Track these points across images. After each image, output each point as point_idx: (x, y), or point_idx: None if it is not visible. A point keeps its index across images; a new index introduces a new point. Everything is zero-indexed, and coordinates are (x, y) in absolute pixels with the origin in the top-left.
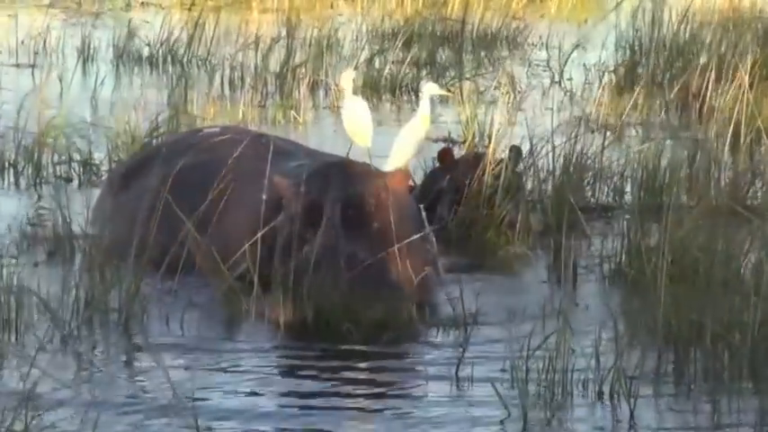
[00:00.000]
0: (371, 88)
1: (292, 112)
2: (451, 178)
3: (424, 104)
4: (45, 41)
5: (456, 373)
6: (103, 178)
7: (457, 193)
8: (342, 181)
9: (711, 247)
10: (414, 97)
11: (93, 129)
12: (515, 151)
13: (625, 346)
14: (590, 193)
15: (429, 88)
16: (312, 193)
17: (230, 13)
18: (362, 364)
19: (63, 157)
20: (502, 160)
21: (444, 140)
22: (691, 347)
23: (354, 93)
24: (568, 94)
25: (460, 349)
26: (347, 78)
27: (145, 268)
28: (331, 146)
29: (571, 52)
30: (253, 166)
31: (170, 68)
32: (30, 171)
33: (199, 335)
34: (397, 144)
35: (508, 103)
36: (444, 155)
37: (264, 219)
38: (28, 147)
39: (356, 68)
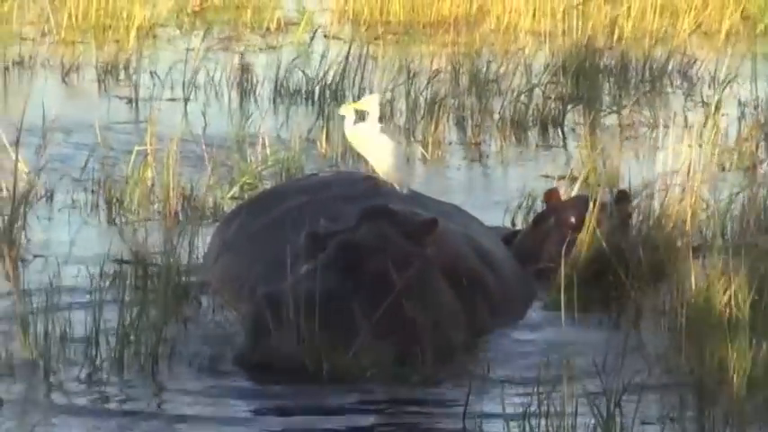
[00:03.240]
0: (516, 123)
1: (420, 148)
2: (558, 218)
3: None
4: (212, 75)
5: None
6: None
7: (564, 232)
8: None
9: None
10: (560, 132)
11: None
12: (621, 196)
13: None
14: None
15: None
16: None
17: (408, 45)
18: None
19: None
20: (605, 204)
21: (564, 178)
22: None
23: (380, 121)
24: (716, 130)
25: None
26: (371, 103)
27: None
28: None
29: (724, 87)
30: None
31: (321, 102)
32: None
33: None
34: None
35: (650, 138)
36: (550, 195)
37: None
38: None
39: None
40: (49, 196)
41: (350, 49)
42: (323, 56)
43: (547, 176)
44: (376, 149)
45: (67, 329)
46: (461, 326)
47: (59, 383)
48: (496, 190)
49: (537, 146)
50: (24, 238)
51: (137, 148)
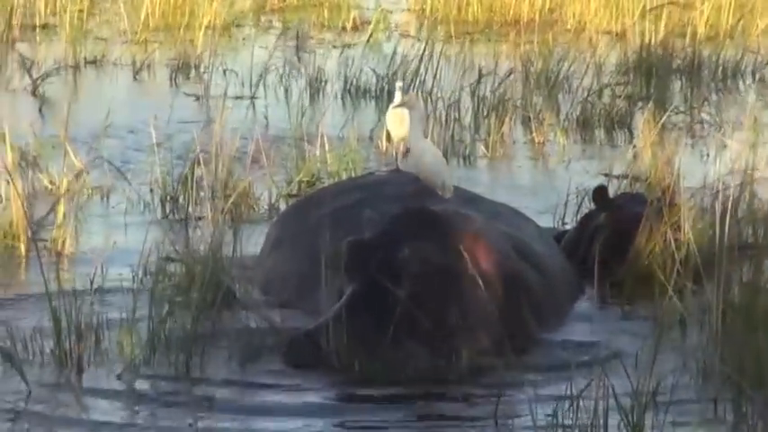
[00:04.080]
0: (583, 123)
1: (482, 147)
2: (607, 216)
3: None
4: (282, 74)
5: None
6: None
7: (613, 230)
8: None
9: None
10: (627, 132)
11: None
12: (665, 190)
13: None
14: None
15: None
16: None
17: (483, 44)
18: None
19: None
20: (652, 201)
21: (624, 177)
22: None
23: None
24: None
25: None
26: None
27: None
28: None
29: None
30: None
31: (389, 101)
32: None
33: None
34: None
35: (717, 138)
36: (598, 193)
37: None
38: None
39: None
40: (105, 194)
41: (425, 48)
42: (395, 55)
43: (607, 175)
44: (414, 154)
45: (102, 325)
46: (499, 329)
47: (91, 377)
48: (554, 188)
49: (601, 145)
50: (75, 234)
51: (194, 146)
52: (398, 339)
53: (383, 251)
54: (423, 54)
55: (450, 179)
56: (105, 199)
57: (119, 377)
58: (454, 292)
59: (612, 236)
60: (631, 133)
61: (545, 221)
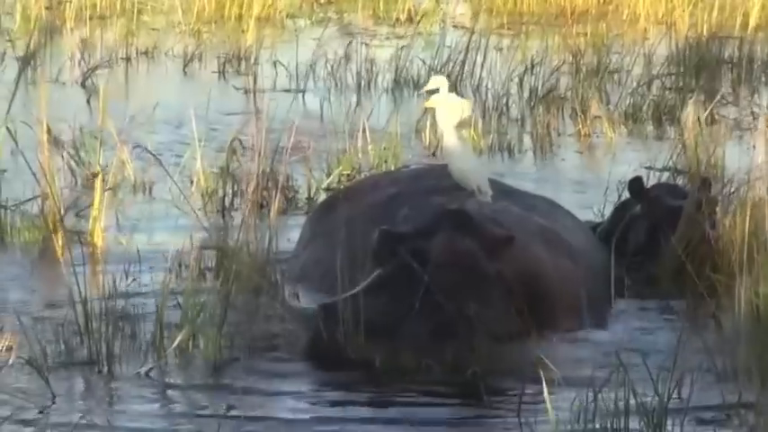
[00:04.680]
0: (631, 115)
1: (525, 139)
2: (644, 206)
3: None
4: (332, 66)
5: None
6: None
7: (647, 222)
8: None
9: None
10: (675, 124)
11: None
12: (703, 183)
13: None
14: None
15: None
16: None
17: (536, 35)
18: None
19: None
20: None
21: (667, 170)
22: None
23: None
24: None
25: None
26: (438, 84)
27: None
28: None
29: None
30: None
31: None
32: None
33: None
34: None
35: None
36: (634, 184)
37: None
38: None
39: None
40: (147, 186)
41: (470, 40)
42: (446, 46)
43: (650, 168)
44: (447, 154)
45: (133, 318)
46: (529, 324)
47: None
48: (597, 181)
49: (647, 137)
50: (117, 226)
51: (232, 138)
52: (416, 323)
53: (413, 241)
54: (468, 45)
55: (486, 182)
56: (147, 191)
57: (148, 374)
58: (478, 286)
59: (647, 227)
60: (679, 125)
61: (586, 215)
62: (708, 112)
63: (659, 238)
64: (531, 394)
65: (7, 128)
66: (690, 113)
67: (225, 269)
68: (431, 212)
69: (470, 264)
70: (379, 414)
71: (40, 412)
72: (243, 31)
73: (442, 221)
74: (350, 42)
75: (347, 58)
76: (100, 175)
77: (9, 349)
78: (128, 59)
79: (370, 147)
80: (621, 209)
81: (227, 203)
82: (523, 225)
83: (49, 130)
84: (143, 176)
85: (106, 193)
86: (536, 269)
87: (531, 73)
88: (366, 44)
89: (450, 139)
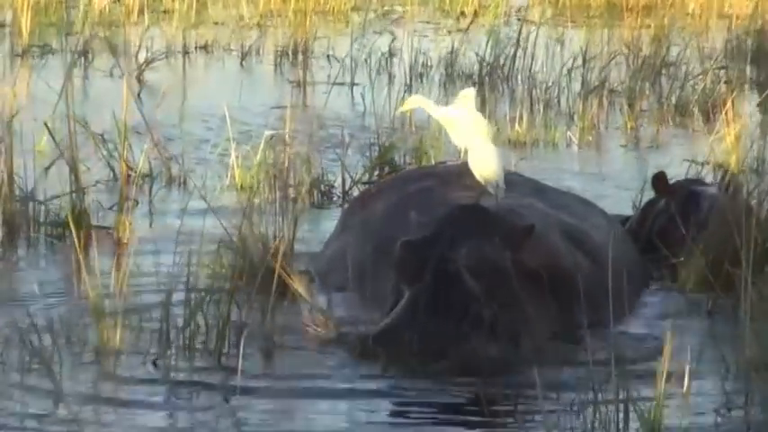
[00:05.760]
0: (679, 108)
1: (568, 133)
2: (668, 201)
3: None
4: (387, 59)
5: None
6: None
7: (671, 216)
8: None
9: None
10: (723, 118)
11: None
12: (730, 178)
13: None
14: None
15: (466, 94)
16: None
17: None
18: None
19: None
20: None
21: (707, 164)
22: None
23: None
24: None
25: None
26: (467, 99)
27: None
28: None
29: None
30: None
31: (488, 85)
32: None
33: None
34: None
35: None
36: (658, 180)
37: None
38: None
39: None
40: (182, 180)
41: (520, 32)
42: (507, 40)
43: (691, 161)
44: (469, 150)
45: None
46: (547, 327)
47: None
48: (638, 176)
49: (694, 131)
50: (150, 220)
51: (267, 132)
52: (466, 335)
53: (438, 249)
54: (518, 38)
55: (503, 181)
56: (181, 185)
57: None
58: (511, 287)
59: (670, 222)
60: (727, 119)
61: (624, 209)
62: (757, 104)
63: (682, 233)
64: (526, 396)
65: (45, 123)
66: (731, 107)
67: (240, 264)
68: (447, 213)
69: (499, 263)
70: (385, 412)
71: (46, 407)
72: (304, 24)
73: (458, 221)
74: (413, 35)
75: (403, 51)
76: (124, 169)
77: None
78: (185, 53)
79: (410, 141)
80: (649, 205)
81: (262, 197)
82: (544, 221)
83: (85, 125)
84: (178, 170)
85: (140, 188)
86: (554, 262)
87: (585, 66)
88: (426, 37)
89: (469, 140)
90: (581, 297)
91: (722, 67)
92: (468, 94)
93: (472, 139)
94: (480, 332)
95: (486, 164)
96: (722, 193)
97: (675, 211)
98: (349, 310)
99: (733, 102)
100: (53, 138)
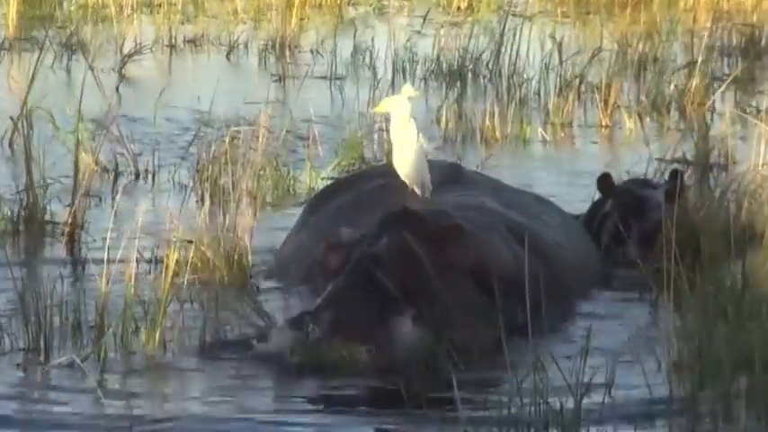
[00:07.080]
0: (655, 106)
1: (540, 129)
2: (612, 202)
3: (403, 107)
4: (372, 54)
5: None
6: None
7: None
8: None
9: None
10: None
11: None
12: (674, 176)
13: None
14: None
15: (406, 90)
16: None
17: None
18: None
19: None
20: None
21: (677, 161)
22: None
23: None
24: None
25: None
26: (402, 97)
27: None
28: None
29: None
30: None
31: (470, 83)
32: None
33: None
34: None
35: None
36: (603, 182)
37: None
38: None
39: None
40: (150, 175)
41: (504, 26)
42: (496, 35)
43: (660, 160)
44: (396, 148)
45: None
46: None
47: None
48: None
49: (668, 129)
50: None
51: (233, 128)
52: (381, 325)
53: (361, 246)
54: (503, 33)
55: (428, 180)
56: (151, 180)
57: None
58: (427, 282)
59: (615, 227)
60: (705, 117)
61: (581, 207)
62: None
63: (627, 232)
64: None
65: (11, 117)
66: (689, 102)
67: (192, 261)
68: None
69: (421, 260)
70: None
71: None
72: (298, 18)
73: (386, 224)
74: (402, 30)
75: (389, 46)
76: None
77: None
78: (172, 47)
79: (382, 136)
80: (596, 207)
81: (223, 193)
82: (487, 221)
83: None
84: (146, 166)
85: (104, 183)
86: (487, 260)
87: (561, 62)
88: (418, 32)
89: (395, 137)
90: (516, 295)
91: (691, 63)
92: (407, 91)
93: (398, 139)
94: (393, 324)
95: (408, 165)
96: (665, 197)
97: (618, 217)
98: (300, 305)
99: (707, 97)
100: (21, 133)
